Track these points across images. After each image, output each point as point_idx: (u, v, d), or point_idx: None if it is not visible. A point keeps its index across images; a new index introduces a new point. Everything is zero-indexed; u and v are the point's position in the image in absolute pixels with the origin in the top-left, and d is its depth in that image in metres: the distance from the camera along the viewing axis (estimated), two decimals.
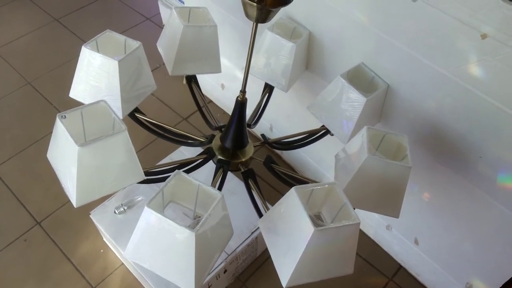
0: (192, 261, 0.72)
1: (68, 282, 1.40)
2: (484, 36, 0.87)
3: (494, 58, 0.88)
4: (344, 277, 0.85)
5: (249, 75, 0.99)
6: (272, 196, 1.55)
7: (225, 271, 1.28)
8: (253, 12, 0.85)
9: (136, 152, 0.88)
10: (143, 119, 1.15)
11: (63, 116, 0.84)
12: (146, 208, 0.71)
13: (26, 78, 1.97)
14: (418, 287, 1.40)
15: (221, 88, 1.82)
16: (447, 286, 1.32)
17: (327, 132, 1.18)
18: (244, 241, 1.29)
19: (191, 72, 1.24)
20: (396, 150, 1.00)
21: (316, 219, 0.81)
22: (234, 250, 1.27)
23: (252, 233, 1.31)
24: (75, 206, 0.87)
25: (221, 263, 1.24)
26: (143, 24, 2.23)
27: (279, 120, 1.64)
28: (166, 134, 1.17)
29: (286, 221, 0.81)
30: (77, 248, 1.47)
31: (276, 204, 0.86)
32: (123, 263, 1.44)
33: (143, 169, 0.94)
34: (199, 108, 1.22)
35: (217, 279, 1.27)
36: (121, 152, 0.87)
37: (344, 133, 1.13)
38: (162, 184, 0.82)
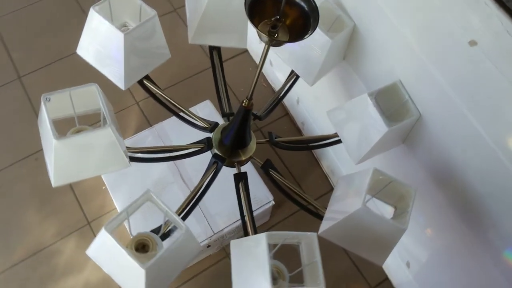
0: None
1: (66, 211, 1.46)
2: None
3: None
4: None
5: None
6: None
7: (208, 246, 1.30)
8: (266, 39, 0.74)
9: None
10: (152, 88, 1.09)
11: (47, 99, 0.79)
12: (103, 230, 0.69)
13: None
14: None
15: None
16: None
17: (339, 141, 1.09)
18: (233, 223, 1.28)
19: (213, 43, 1.13)
20: (399, 199, 0.92)
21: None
22: (221, 230, 1.27)
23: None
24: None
25: (204, 239, 1.25)
26: None
27: (307, 96, 1.52)
28: (171, 107, 1.11)
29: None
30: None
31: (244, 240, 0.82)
32: None
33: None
34: (217, 87, 1.13)
35: None
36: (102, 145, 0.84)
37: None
38: None
